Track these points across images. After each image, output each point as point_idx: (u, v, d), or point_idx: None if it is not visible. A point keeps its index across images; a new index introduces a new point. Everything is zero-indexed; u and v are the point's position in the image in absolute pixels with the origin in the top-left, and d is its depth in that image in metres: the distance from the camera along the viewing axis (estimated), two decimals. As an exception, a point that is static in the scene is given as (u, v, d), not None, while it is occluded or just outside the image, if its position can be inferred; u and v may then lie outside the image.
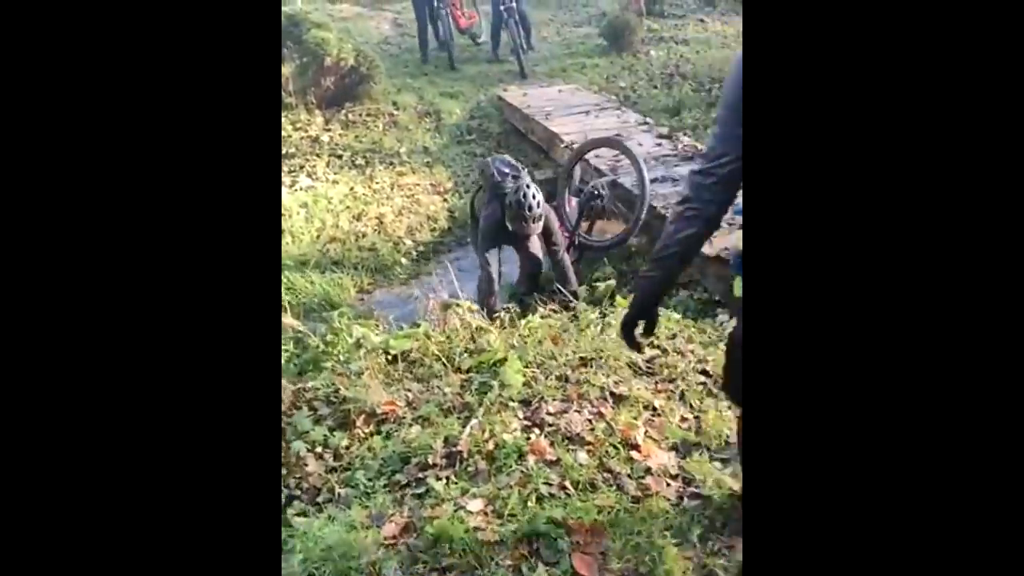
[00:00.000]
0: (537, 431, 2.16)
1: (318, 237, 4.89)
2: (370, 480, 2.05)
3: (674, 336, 2.81)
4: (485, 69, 8.01)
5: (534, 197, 3.39)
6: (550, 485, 1.93)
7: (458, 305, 3.03)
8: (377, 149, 6.12)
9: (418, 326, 2.95)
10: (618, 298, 3.15)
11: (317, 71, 6.41)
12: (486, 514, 1.83)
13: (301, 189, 5.38)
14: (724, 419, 2.22)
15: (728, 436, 2.14)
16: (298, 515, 1.94)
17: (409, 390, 2.48)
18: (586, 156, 4.49)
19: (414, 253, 4.90)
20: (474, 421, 2.20)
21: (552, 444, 2.09)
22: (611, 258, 4.10)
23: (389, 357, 2.70)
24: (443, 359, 2.63)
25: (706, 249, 2.76)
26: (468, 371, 2.57)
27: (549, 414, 2.24)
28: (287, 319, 3.22)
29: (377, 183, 5.60)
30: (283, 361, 2.90)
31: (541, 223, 3.48)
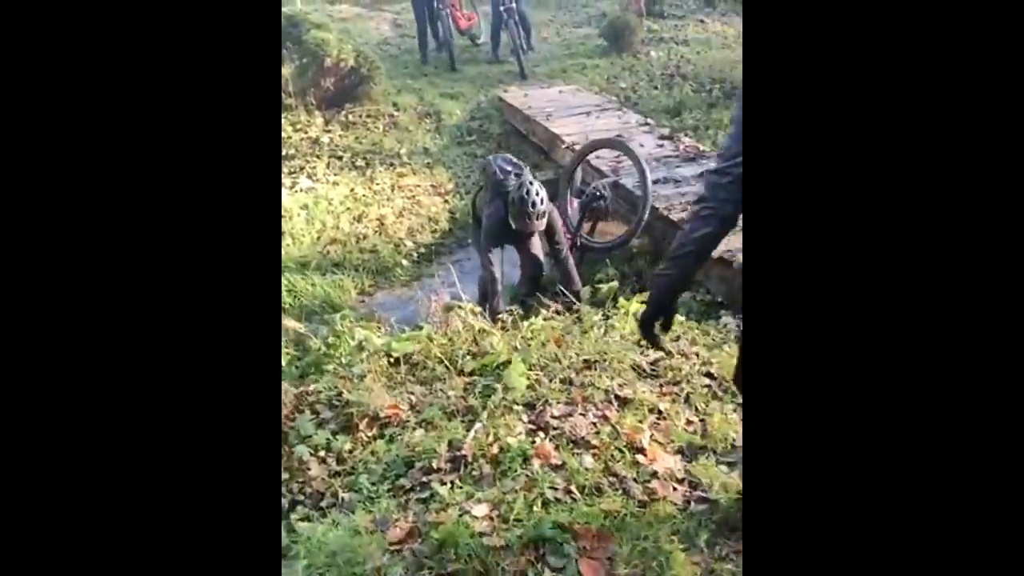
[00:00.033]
0: (542, 435, 2.14)
1: (318, 239, 4.88)
2: (374, 484, 2.03)
3: (678, 338, 2.79)
4: (485, 70, 7.99)
5: (537, 193, 3.35)
6: (555, 489, 1.91)
7: (460, 307, 3.01)
8: (377, 150, 6.11)
9: (420, 328, 2.93)
10: (621, 300, 3.13)
11: (317, 72, 6.39)
12: (491, 519, 1.81)
13: (301, 191, 5.37)
14: (730, 422, 2.20)
15: (734, 439, 2.13)
16: (302, 520, 1.93)
17: (412, 393, 2.46)
18: (588, 157, 4.48)
19: (415, 254, 4.89)
20: (478, 425, 2.19)
21: (557, 448, 2.08)
22: (613, 260, 4.08)
23: (391, 360, 2.68)
24: (446, 362, 2.61)
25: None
26: (471, 374, 2.55)
27: (553, 417, 2.22)
28: (289, 321, 3.21)
29: (377, 184, 5.59)
30: (285, 364, 2.88)
31: (545, 220, 3.43)
